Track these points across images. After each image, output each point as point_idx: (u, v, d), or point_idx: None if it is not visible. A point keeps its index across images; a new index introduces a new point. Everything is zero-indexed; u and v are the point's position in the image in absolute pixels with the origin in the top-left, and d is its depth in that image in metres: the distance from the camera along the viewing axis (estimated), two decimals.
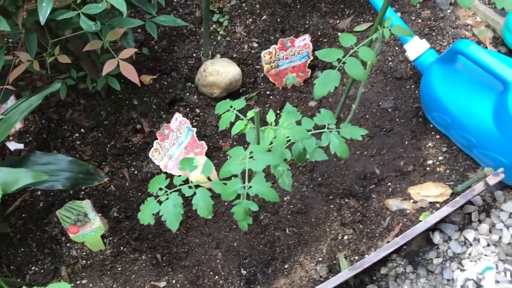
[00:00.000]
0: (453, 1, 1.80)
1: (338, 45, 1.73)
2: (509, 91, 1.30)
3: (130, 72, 1.19)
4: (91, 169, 1.36)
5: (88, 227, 1.41)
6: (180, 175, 0.96)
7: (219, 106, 0.94)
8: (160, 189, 0.93)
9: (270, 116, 0.89)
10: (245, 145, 0.93)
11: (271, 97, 1.72)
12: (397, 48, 1.74)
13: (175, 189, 0.92)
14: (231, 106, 0.92)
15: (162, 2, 1.52)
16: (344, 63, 1.02)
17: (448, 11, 1.79)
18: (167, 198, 0.92)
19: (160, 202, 0.93)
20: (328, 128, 0.95)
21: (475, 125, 1.41)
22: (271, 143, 0.92)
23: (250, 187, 0.80)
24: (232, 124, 0.91)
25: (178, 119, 1.60)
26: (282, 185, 1.06)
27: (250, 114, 0.81)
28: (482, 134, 1.40)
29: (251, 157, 0.82)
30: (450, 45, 1.71)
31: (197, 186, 0.93)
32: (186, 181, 0.94)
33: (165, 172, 1.58)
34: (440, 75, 1.49)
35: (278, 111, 1.68)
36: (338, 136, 0.93)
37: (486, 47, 1.71)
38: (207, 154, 1.61)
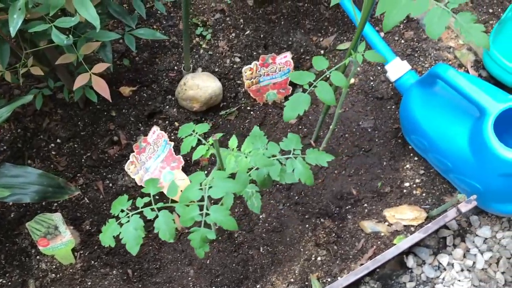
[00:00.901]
0: None
1: None
2: (484, 118, 1.30)
3: (102, 88, 1.18)
4: (61, 182, 1.34)
5: (58, 240, 1.39)
6: None
7: (182, 129, 0.93)
8: (122, 211, 0.91)
9: (233, 142, 0.87)
10: None
11: (251, 112, 1.71)
12: (379, 68, 1.73)
13: (136, 211, 0.90)
14: (193, 130, 0.91)
15: (143, 14, 1.51)
16: (315, 86, 1.01)
17: None
18: (128, 221, 0.90)
19: (121, 225, 0.91)
20: (293, 154, 0.94)
21: (451, 150, 1.41)
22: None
23: (208, 214, 0.78)
24: (194, 148, 0.90)
25: (155, 132, 1.58)
26: (251, 208, 1.05)
27: (211, 140, 0.79)
28: (458, 159, 1.40)
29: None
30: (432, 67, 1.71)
31: (160, 209, 0.92)
32: (149, 203, 0.92)
33: (141, 186, 1.56)
34: (419, 98, 1.49)
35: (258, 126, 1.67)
36: (302, 163, 0.92)
37: (468, 70, 1.71)
38: (184, 169, 1.59)
